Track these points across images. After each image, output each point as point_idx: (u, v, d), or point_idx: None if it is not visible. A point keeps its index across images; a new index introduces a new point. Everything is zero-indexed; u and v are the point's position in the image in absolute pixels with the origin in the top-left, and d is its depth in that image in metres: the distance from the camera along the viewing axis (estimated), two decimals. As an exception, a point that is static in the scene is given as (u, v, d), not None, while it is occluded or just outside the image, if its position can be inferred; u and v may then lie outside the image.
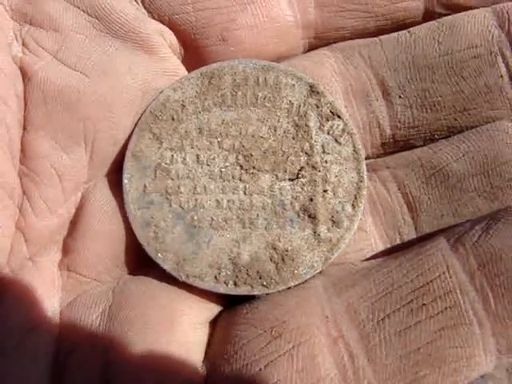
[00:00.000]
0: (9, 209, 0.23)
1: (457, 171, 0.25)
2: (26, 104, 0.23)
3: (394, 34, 0.26)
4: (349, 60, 0.26)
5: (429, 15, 0.26)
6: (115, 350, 0.22)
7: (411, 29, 0.26)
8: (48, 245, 0.24)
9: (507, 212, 0.21)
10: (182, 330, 0.23)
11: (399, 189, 0.25)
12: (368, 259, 0.25)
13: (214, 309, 0.24)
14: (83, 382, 0.22)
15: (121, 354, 0.22)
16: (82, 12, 0.24)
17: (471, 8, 0.26)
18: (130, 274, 0.25)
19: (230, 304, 0.24)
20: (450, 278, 0.21)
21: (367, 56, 0.26)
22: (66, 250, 0.24)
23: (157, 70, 0.25)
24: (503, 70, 0.25)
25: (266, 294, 0.24)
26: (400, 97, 0.26)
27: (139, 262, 0.25)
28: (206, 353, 0.23)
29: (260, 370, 0.21)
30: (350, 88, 0.26)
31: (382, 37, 0.26)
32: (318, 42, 0.27)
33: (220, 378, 0.22)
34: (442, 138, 0.26)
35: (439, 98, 0.25)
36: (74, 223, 0.24)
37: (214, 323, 0.24)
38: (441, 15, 0.26)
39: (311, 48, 0.27)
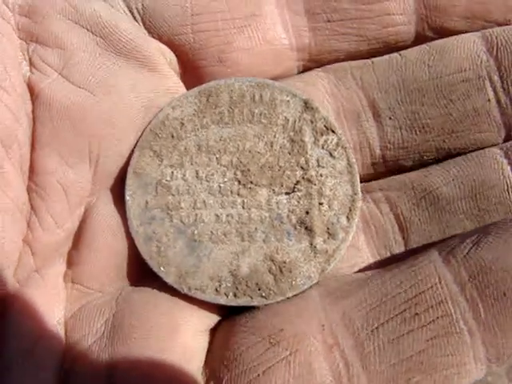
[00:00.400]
0: (18, 224, 0.24)
1: (446, 194, 0.25)
2: (33, 121, 0.24)
3: (386, 57, 0.27)
4: (341, 81, 0.27)
5: (420, 38, 0.27)
6: (119, 356, 0.23)
7: (402, 52, 0.27)
8: (54, 257, 0.25)
9: (497, 226, 0.22)
10: (184, 336, 0.24)
11: (391, 210, 0.26)
12: (361, 271, 0.25)
13: (214, 317, 0.25)
14: None
15: (125, 360, 0.23)
16: (86, 31, 0.25)
17: (461, 32, 0.27)
18: (132, 285, 0.26)
19: (230, 313, 0.25)
20: (442, 288, 0.21)
21: (359, 78, 0.27)
22: (70, 263, 0.25)
23: (159, 88, 0.26)
24: (491, 94, 0.26)
25: (265, 305, 0.25)
26: (390, 118, 0.26)
27: (141, 273, 0.26)
28: (206, 359, 0.24)
29: (258, 375, 0.22)
30: (342, 109, 0.27)
31: (374, 59, 0.27)
32: (312, 64, 0.28)
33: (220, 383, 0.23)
34: (431, 159, 0.27)
35: (428, 121, 0.26)
36: (78, 236, 0.25)
37: (214, 331, 0.25)
38: (431, 39, 0.27)
39: (305, 69, 0.28)
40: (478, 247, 0.21)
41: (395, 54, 0.27)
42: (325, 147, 0.26)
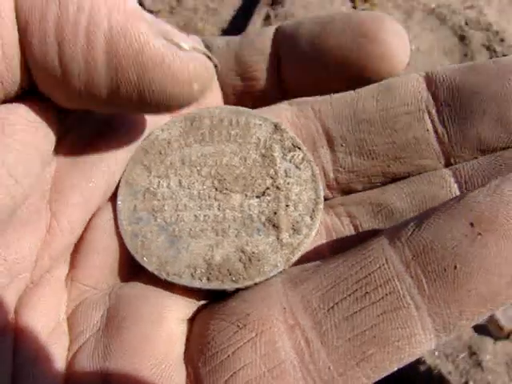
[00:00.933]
0: (37, 231, 0.27)
1: (400, 208, 0.28)
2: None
3: (344, 93, 0.31)
4: (302, 113, 0.31)
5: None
6: (114, 344, 0.25)
7: (357, 89, 0.31)
8: (61, 259, 0.28)
9: (436, 209, 0.24)
10: (168, 324, 0.26)
11: (351, 222, 0.29)
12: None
13: (192, 307, 0.28)
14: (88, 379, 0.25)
15: (117, 348, 0.25)
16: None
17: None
18: (122, 281, 0.29)
19: (207, 303, 0.28)
20: (389, 268, 0.23)
21: (317, 110, 0.31)
22: (71, 264, 0.28)
23: None
24: (429, 125, 0.29)
25: (236, 290, 0.27)
26: (342, 145, 0.30)
27: (130, 271, 0.29)
28: (186, 346, 0.26)
29: (228, 356, 0.24)
30: (301, 136, 0.31)
31: (332, 94, 0.31)
32: None
33: (196, 367, 0.25)
34: (379, 183, 0.30)
35: (374, 147, 0.30)
36: (80, 240, 0.29)
37: (192, 321, 0.27)
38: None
39: None
40: (420, 229, 0.23)
41: (351, 91, 0.31)
42: (292, 161, 0.29)
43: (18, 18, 0.24)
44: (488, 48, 1.57)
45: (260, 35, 0.34)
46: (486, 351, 0.90)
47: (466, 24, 1.60)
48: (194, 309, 0.28)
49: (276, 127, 0.30)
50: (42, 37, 0.23)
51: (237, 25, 1.60)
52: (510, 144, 0.28)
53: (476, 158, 0.28)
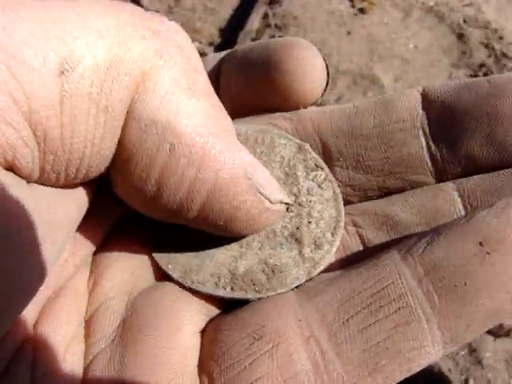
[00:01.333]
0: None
1: (404, 220, 0.29)
2: None
3: (343, 106, 0.31)
4: (301, 125, 0.32)
5: None
6: (129, 356, 0.26)
7: (356, 102, 0.31)
8: (85, 264, 0.29)
9: (446, 227, 0.25)
10: (184, 336, 0.26)
11: (357, 232, 0.30)
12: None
13: (206, 319, 0.28)
14: None
15: (134, 359, 0.26)
16: None
17: None
18: (142, 286, 0.29)
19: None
20: (402, 283, 0.24)
21: (316, 123, 0.31)
22: (94, 266, 0.29)
23: None
24: (423, 142, 0.30)
25: (258, 299, 0.28)
26: (339, 160, 0.31)
27: (149, 276, 0.29)
28: (199, 357, 0.27)
29: (245, 367, 0.25)
30: None
31: (332, 107, 0.32)
32: None
33: (211, 378, 0.25)
34: (375, 197, 0.31)
35: (370, 163, 0.30)
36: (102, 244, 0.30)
37: (202, 332, 0.28)
38: None
39: None
40: (432, 246, 0.24)
41: (350, 105, 0.31)
42: (314, 180, 0.31)
43: (118, 153, 0.24)
44: (486, 46, 1.57)
45: (220, 54, 0.35)
46: (486, 349, 0.92)
47: (465, 22, 1.60)
48: (207, 320, 0.28)
49: (300, 147, 0.31)
50: (144, 179, 0.24)
51: (235, 24, 1.60)
52: (501, 162, 0.28)
53: (468, 175, 0.29)
